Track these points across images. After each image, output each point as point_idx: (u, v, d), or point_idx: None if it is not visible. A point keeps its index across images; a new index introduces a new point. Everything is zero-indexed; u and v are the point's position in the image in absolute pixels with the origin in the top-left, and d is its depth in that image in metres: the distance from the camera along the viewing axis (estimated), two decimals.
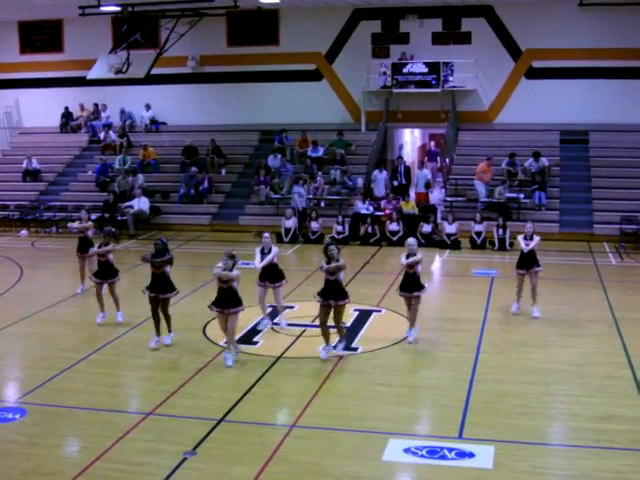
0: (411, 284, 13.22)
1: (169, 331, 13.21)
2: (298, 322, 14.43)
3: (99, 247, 14.59)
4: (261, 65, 29.10)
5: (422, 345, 13.31)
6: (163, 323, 13.18)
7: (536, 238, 14.85)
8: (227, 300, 12.03)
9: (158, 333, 13.11)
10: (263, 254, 13.75)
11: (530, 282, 14.82)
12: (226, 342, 12.37)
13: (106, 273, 14.50)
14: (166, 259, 12.94)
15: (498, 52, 27.37)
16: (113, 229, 15.53)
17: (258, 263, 13.69)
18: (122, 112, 30.66)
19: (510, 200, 24.05)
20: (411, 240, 13.33)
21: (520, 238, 15.02)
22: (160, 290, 12.96)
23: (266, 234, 13.94)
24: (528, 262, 14.78)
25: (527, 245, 14.66)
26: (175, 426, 9.97)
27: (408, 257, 13.09)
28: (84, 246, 16.84)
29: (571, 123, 26.81)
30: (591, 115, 26.51)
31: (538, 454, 9.15)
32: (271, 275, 13.90)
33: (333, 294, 12.34)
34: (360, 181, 25.91)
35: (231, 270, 11.95)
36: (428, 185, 26.49)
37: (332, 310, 12.40)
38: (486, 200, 24.36)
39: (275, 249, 13.91)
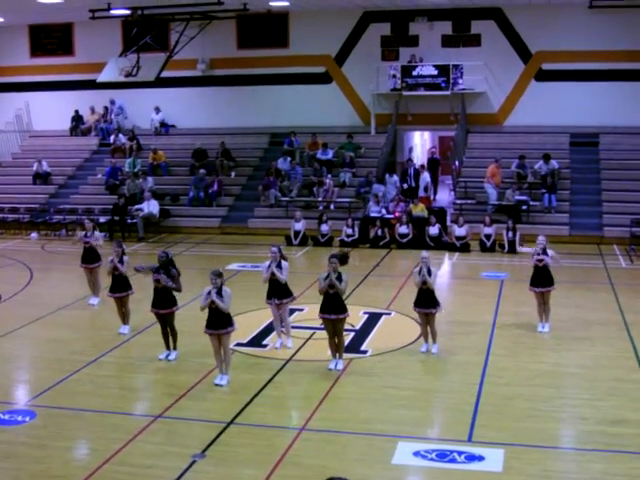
0: (426, 300, 12.81)
1: (174, 348, 12.73)
2: (307, 325, 14.33)
3: (112, 261, 14.04)
4: (271, 68, 29.10)
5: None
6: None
7: (550, 252, 13.98)
8: (219, 321, 11.35)
9: (167, 347, 12.72)
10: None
11: (542, 298, 14.12)
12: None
13: (121, 286, 14.08)
14: (172, 282, 12.45)
15: (508, 54, 27.30)
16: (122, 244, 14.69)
17: (264, 278, 12.97)
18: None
19: (520, 203, 23.98)
20: (424, 253, 12.89)
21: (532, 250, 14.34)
22: (160, 306, 12.55)
23: (273, 248, 12.96)
24: (543, 280, 13.99)
25: (537, 258, 13.91)
26: (184, 429, 9.98)
27: (420, 271, 12.62)
28: (89, 257, 16.30)
29: (581, 125, 26.69)
30: (601, 117, 26.40)
31: (548, 457, 9.11)
32: (278, 291, 13.00)
33: (333, 308, 11.96)
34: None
35: (220, 287, 11.22)
36: (426, 189, 26.44)
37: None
38: (496, 203, 24.31)
39: (285, 264, 12.99)
